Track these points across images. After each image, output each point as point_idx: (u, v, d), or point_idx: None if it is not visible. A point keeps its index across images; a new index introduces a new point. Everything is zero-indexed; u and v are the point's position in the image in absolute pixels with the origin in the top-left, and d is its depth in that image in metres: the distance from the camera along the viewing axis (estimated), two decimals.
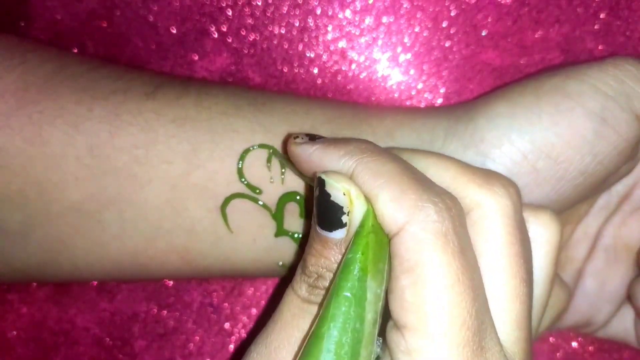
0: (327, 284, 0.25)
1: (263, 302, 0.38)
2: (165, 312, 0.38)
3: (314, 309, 0.25)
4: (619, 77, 0.29)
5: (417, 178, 0.24)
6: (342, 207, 0.24)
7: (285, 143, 0.30)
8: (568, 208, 0.31)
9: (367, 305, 0.23)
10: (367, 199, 0.24)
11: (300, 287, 0.25)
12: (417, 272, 0.23)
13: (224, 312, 0.38)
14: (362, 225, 0.24)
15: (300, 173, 0.28)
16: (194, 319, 0.38)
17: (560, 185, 0.30)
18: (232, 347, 0.38)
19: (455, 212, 0.24)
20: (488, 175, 0.26)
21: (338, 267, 0.24)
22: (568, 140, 0.29)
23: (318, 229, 0.25)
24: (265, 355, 0.25)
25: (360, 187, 0.24)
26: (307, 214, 0.31)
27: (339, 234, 0.24)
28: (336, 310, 0.23)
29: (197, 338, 0.38)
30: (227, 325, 0.38)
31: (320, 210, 0.25)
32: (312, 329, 0.23)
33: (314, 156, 0.26)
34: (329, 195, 0.24)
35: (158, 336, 0.38)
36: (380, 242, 0.24)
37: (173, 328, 0.38)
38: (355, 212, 0.24)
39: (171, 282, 0.37)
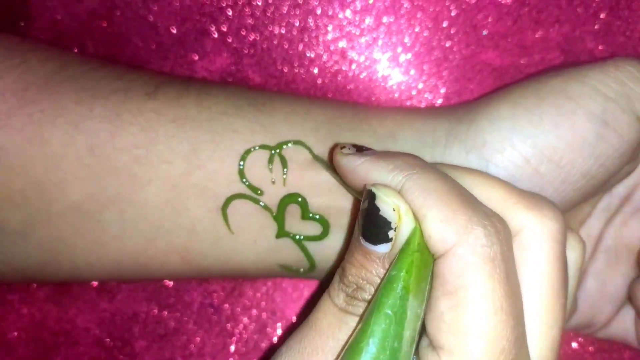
0: (366, 295, 0.24)
1: (264, 303, 0.38)
2: (165, 312, 0.38)
3: (350, 319, 0.25)
4: (620, 79, 0.29)
5: (467, 198, 0.24)
6: (390, 222, 0.24)
7: (331, 152, 0.30)
8: (569, 210, 0.31)
9: (407, 324, 0.23)
10: (415, 217, 0.24)
11: (337, 296, 0.25)
12: (460, 295, 0.23)
13: (224, 313, 0.38)
14: (408, 243, 0.24)
15: (344, 183, 0.28)
16: (194, 320, 0.38)
17: (563, 188, 0.29)
18: (232, 347, 0.38)
19: (503, 235, 0.24)
20: (536, 199, 0.26)
21: (380, 283, 0.24)
22: (570, 142, 0.29)
23: (362, 240, 0.25)
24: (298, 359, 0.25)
25: (408, 204, 0.24)
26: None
27: (383, 248, 0.24)
28: (376, 326, 0.23)
29: (198, 339, 0.38)
30: (227, 326, 0.38)
31: (367, 223, 0.24)
32: (350, 342, 0.23)
33: (361, 168, 0.26)
34: (378, 209, 0.24)
35: (158, 337, 0.38)
36: (425, 261, 0.24)
37: (174, 329, 0.38)
38: (402, 228, 0.24)
39: (171, 283, 0.37)
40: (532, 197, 0.26)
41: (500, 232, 0.23)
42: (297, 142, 0.30)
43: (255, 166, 0.30)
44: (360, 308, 0.24)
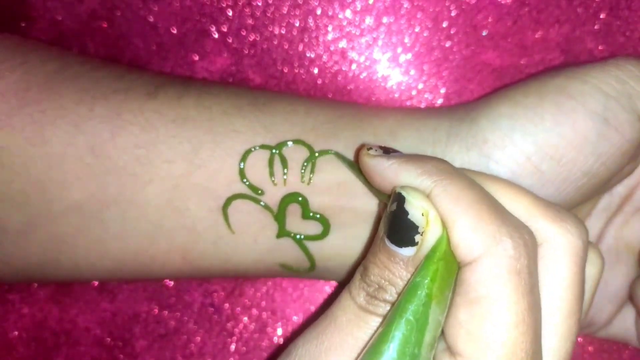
0: (387, 296, 0.24)
1: (264, 303, 0.38)
2: (166, 312, 0.38)
3: (370, 318, 0.25)
4: (621, 78, 0.29)
5: (497, 208, 0.24)
6: (417, 227, 0.24)
7: (357, 153, 0.30)
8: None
9: (428, 331, 0.23)
10: (443, 224, 0.24)
11: (358, 294, 0.25)
12: (483, 304, 0.23)
13: (224, 313, 0.38)
14: (434, 250, 0.24)
15: (368, 184, 0.28)
16: (195, 320, 0.38)
17: (564, 187, 0.29)
18: (233, 347, 0.38)
19: (531, 248, 0.24)
20: (560, 212, 0.26)
21: (404, 287, 0.24)
22: (571, 141, 0.29)
23: (387, 241, 0.24)
24: (315, 355, 0.25)
25: (437, 210, 0.24)
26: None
27: (407, 252, 0.24)
28: (397, 331, 0.23)
29: (198, 338, 0.38)
30: (228, 325, 0.38)
31: (394, 225, 0.24)
32: (371, 344, 0.23)
33: (389, 171, 0.26)
34: (407, 213, 0.24)
35: (159, 336, 0.38)
36: (450, 269, 0.24)
37: (174, 328, 0.38)
38: (429, 234, 0.24)
39: (172, 283, 0.37)
40: (558, 211, 0.26)
41: (528, 244, 0.23)
42: (297, 142, 0.30)
43: (256, 166, 0.30)
44: (380, 308, 0.24)
